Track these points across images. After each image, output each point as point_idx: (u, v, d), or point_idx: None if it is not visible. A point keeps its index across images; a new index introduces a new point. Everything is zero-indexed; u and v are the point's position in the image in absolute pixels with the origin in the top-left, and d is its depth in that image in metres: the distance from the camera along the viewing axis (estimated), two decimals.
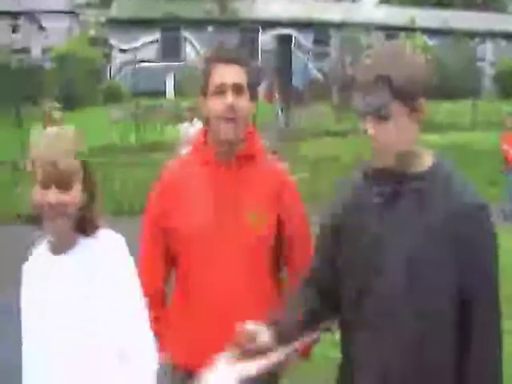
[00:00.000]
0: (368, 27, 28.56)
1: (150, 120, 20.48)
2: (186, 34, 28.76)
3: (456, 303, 1.77)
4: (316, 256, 2.07)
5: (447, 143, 17.09)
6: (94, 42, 31.08)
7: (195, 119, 9.70)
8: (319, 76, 28.73)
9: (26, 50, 33.22)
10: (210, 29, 28.40)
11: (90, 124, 18.92)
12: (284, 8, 29.29)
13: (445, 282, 1.77)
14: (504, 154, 11.31)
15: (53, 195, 1.87)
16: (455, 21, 30.40)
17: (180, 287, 2.39)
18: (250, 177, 2.33)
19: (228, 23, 28.14)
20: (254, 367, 1.78)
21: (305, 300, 2.02)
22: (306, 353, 2.37)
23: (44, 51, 33.21)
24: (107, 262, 1.94)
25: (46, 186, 1.87)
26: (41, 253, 2.02)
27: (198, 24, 28.26)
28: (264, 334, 1.86)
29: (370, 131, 1.79)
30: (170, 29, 28.37)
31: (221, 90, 2.23)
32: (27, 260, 2.05)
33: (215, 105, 2.24)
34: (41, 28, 37.77)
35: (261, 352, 1.83)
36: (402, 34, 29.52)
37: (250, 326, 1.86)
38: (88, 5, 40.29)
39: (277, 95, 22.66)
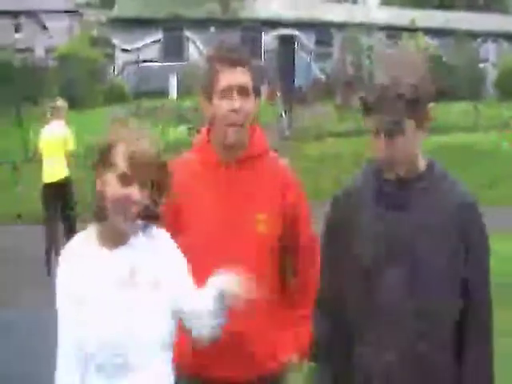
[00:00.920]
0: (370, 28, 28.54)
1: (152, 120, 20.48)
2: (188, 33, 28.75)
3: (456, 302, 1.79)
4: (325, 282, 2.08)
5: (448, 144, 17.07)
6: (96, 41, 31.07)
7: None
8: (322, 76, 28.72)
9: (28, 50, 33.22)
10: (212, 29, 28.39)
11: (92, 124, 18.95)
12: (286, 8, 29.28)
13: (446, 280, 1.79)
14: None
15: (136, 192, 1.82)
16: (457, 22, 30.35)
17: None
18: (255, 177, 2.33)
19: (231, 23, 28.12)
20: None
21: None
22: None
23: (47, 51, 33.22)
24: (166, 250, 1.96)
25: (128, 182, 1.82)
26: (84, 247, 1.94)
27: (200, 24, 28.25)
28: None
29: (382, 146, 1.80)
30: (173, 29, 28.36)
31: (227, 93, 2.22)
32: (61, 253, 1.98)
33: (221, 109, 2.23)
34: (44, 28, 37.79)
35: None
36: (404, 35, 29.49)
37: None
38: (91, 4, 40.29)
39: (279, 95, 22.66)
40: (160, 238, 1.99)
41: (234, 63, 2.23)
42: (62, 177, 8.16)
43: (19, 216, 11.64)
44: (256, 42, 27.75)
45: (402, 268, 1.82)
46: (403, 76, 1.75)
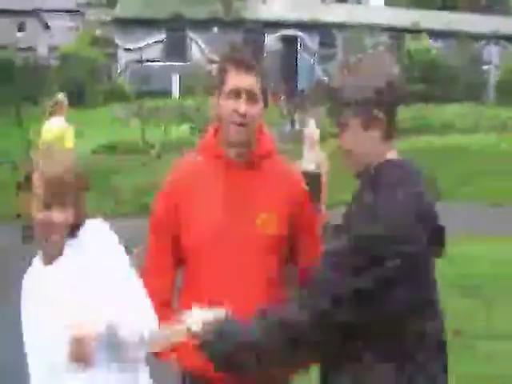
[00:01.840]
0: (373, 29, 28.55)
1: (155, 120, 20.51)
2: (191, 34, 28.79)
3: None
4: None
5: (449, 145, 17.09)
6: (99, 41, 31.12)
7: (309, 119, 9.67)
8: (325, 78, 28.73)
9: (31, 49, 33.28)
10: (215, 29, 28.43)
11: (94, 123, 18.99)
12: (289, 9, 29.31)
13: None
14: None
15: (57, 215, 1.90)
16: (460, 23, 30.35)
17: (189, 288, 2.36)
18: (262, 177, 2.32)
19: (233, 24, 28.16)
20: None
21: None
22: None
23: (49, 50, 33.29)
24: (96, 255, 1.98)
25: (48, 205, 1.89)
26: (35, 266, 2.05)
27: (203, 24, 28.29)
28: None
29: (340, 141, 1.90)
30: (176, 29, 28.40)
31: (234, 95, 2.23)
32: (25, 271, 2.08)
33: (228, 109, 2.24)
34: (46, 27, 37.85)
35: None
36: (407, 36, 29.52)
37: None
38: (94, 4, 40.34)
39: (282, 97, 22.68)
40: (89, 234, 2.01)
41: (246, 68, 2.25)
42: None
43: (19, 216, 11.64)
44: (258, 43, 27.77)
45: None
46: (344, 74, 1.85)
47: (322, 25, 29.46)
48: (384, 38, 29.88)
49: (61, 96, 8.44)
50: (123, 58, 28.51)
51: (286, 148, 13.02)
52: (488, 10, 35.11)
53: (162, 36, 28.69)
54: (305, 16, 29.12)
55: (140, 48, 28.41)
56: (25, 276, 2.06)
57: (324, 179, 8.47)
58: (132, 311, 1.93)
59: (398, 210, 1.71)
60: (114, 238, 2.03)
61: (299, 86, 28.10)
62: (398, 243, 1.68)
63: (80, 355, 1.79)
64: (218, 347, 1.83)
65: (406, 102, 22.43)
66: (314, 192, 8.70)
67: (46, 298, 1.95)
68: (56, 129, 8.09)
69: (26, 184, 1.93)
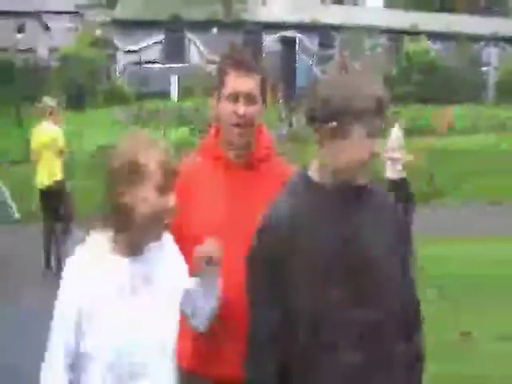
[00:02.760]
0: (372, 31, 28.56)
1: (154, 121, 20.50)
2: (190, 35, 28.80)
3: None
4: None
5: (449, 146, 17.10)
6: (98, 42, 31.11)
7: (397, 124, 9.64)
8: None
9: (31, 51, 33.26)
10: (214, 31, 28.43)
11: (93, 124, 18.99)
12: (288, 11, 29.31)
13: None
14: None
15: (173, 200, 1.90)
16: (458, 25, 30.35)
17: None
18: (261, 178, 2.34)
19: (232, 25, 28.16)
20: None
21: None
22: None
23: (49, 51, 33.27)
24: (173, 264, 2.02)
25: (166, 191, 1.88)
26: (100, 256, 1.93)
27: (202, 26, 28.29)
28: None
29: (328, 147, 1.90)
30: (175, 30, 28.40)
31: (233, 97, 2.25)
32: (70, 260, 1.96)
33: (227, 112, 2.26)
34: (46, 28, 37.83)
35: None
36: (406, 38, 29.52)
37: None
38: (93, 5, 40.31)
39: (281, 97, 22.68)
40: (169, 244, 2.05)
41: (244, 68, 2.26)
42: (53, 182, 8.03)
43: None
44: (257, 45, 27.77)
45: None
46: (313, 86, 1.90)
47: (320, 26, 29.46)
48: (383, 39, 29.90)
49: (49, 101, 8.33)
50: (122, 59, 28.51)
51: (284, 148, 13.04)
52: (487, 11, 35.09)
53: (161, 37, 28.69)
54: (304, 18, 29.13)
55: (139, 49, 28.41)
56: (83, 264, 1.92)
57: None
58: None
59: None
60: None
61: (298, 87, 28.09)
62: None
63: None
64: None
65: (404, 102, 22.46)
66: (400, 197, 8.93)
67: (122, 288, 1.90)
68: (47, 134, 8.01)
69: (127, 178, 1.85)
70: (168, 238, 2.04)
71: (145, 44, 28.45)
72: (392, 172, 9.48)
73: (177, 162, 1.93)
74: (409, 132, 19.60)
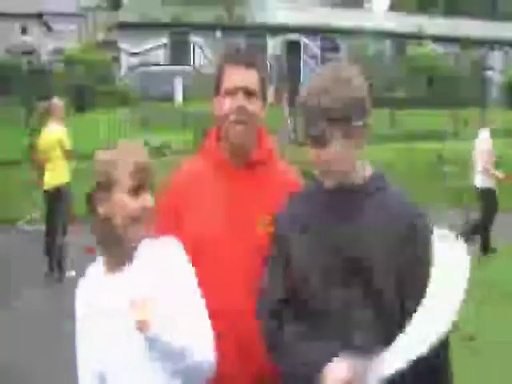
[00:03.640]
0: (377, 34, 28.58)
1: (158, 124, 20.52)
2: (194, 38, 28.85)
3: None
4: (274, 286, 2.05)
5: (452, 151, 17.04)
6: (102, 45, 31.20)
7: (485, 129, 9.49)
8: None
9: (35, 52, 33.36)
10: (218, 34, 28.49)
11: (97, 126, 19.01)
12: (293, 14, 29.36)
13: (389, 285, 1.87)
14: None
15: (149, 199, 1.90)
16: (463, 28, 30.38)
17: None
18: (262, 181, 2.32)
19: (236, 28, 28.21)
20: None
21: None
22: None
23: (53, 53, 33.35)
24: (162, 269, 1.95)
25: (140, 192, 1.88)
26: (93, 276, 1.99)
27: (206, 29, 28.35)
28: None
29: (312, 154, 1.89)
30: (179, 33, 28.46)
31: (232, 93, 2.23)
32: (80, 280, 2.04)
33: (225, 105, 2.24)
34: (51, 30, 37.94)
35: None
36: (411, 41, 29.55)
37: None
38: (98, 8, 40.43)
39: (285, 100, 22.70)
40: (168, 250, 2.00)
41: (242, 64, 2.24)
42: (59, 184, 8.00)
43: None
44: (262, 48, 27.82)
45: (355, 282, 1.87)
46: (324, 89, 1.83)
47: (325, 30, 29.50)
48: (387, 42, 29.94)
49: (55, 101, 8.32)
50: (126, 61, 28.56)
51: (288, 151, 13.03)
52: (491, 15, 35.12)
53: (166, 40, 28.75)
54: (308, 21, 29.17)
55: (143, 52, 28.47)
56: (80, 287, 2.03)
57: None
58: (191, 334, 1.89)
59: None
60: (181, 253, 2.01)
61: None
62: None
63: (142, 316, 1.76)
64: None
65: (409, 106, 22.47)
66: (489, 209, 8.78)
67: (109, 306, 1.91)
68: (54, 133, 8.01)
69: (103, 183, 1.87)
70: (166, 242, 2.01)
71: (149, 47, 28.51)
72: (481, 181, 9.07)
73: (146, 161, 1.92)
74: (413, 136, 19.73)
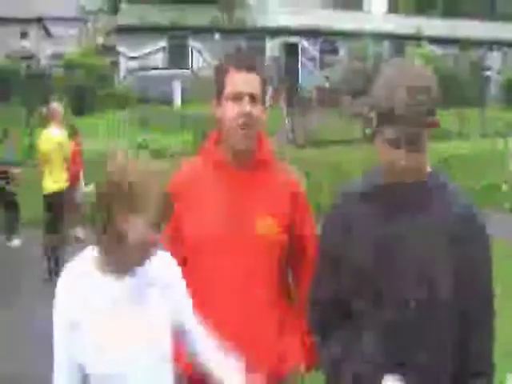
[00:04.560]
0: (375, 36, 28.60)
1: (156, 127, 20.54)
2: (192, 41, 28.87)
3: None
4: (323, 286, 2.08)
5: (454, 152, 17.07)
6: (101, 49, 31.21)
7: None
8: (326, 84, 28.79)
9: (34, 57, 33.38)
10: (217, 37, 28.50)
11: (96, 130, 19.01)
12: (291, 16, 29.37)
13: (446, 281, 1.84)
14: None
15: (158, 239, 1.86)
16: (462, 29, 30.41)
17: (190, 292, 2.37)
18: (261, 183, 2.32)
19: (235, 31, 28.23)
20: None
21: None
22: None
23: (53, 58, 33.37)
24: (166, 279, 1.97)
25: (156, 226, 1.82)
26: (89, 272, 1.92)
27: (205, 32, 28.37)
28: None
29: (401, 159, 1.81)
30: (177, 37, 28.47)
31: (236, 97, 2.23)
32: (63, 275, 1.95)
33: (232, 111, 2.24)
34: (49, 35, 37.96)
35: None
36: (409, 42, 29.57)
37: None
38: (97, 11, 40.45)
39: (283, 103, 22.70)
40: (165, 263, 2.00)
41: (248, 69, 2.24)
42: (58, 189, 7.98)
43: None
44: (260, 50, 27.84)
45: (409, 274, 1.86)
46: (420, 87, 1.77)
47: (324, 32, 29.52)
48: (386, 44, 29.95)
49: (55, 105, 8.30)
50: (125, 65, 28.58)
51: (286, 153, 13.04)
52: (490, 15, 35.13)
53: (164, 44, 28.76)
54: (307, 23, 29.18)
55: (142, 56, 28.48)
56: (73, 278, 1.92)
57: None
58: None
59: None
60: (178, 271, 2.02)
61: (300, 92, 28.14)
62: None
63: None
64: None
65: None
66: None
67: (104, 307, 1.88)
68: (55, 138, 7.97)
69: (123, 206, 1.78)
70: (164, 256, 2.01)
71: (148, 50, 28.52)
72: None
73: (169, 194, 1.84)
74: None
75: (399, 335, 1.86)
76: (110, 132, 19.07)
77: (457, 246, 1.83)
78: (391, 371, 1.84)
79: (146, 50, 28.49)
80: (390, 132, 1.78)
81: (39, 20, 37.71)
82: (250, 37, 28.44)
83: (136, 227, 1.78)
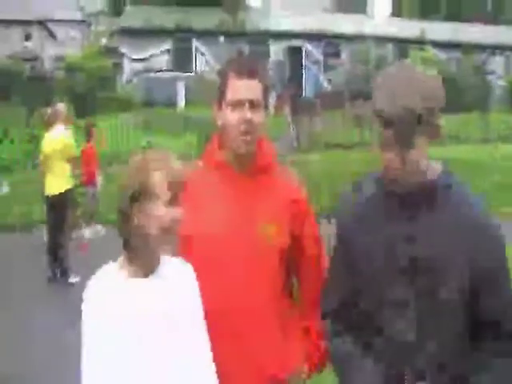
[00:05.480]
0: (379, 40, 28.60)
1: (161, 129, 20.56)
2: (197, 44, 28.89)
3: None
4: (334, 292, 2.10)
5: (455, 156, 17.04)
6: (105, 51, 31.25)
7: None
8: (330, 88, 28.80)
9: (37, 59, 33.43)
10: (221, 39, 28.52)
11: (100, 133, 19.03)
12: (295, 20, 29.39)
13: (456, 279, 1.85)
14: None
15: (180, 211, 1.92)
16: (465, 33, 30.40)
17: None
18: (263, 187, 2.33)
19: (239, 34, 28.25)
20: None
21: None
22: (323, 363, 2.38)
23: (55, 60, 33.43)
24: (183, 287, 2.00)
25: (173, 202, 1.89)
26: (114, 277, 1.95)
27: (209, 34, 28.39)
28: None
29: (393, 160, 1.84)
30: (182, 39, 28.50)
31: (237, 104, 2.24)
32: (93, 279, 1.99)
33: (233, 118, 2.25)
34: (52, 37, 38.03)
35: None
36: (412, 46, 29.56)
37: None
38: (100, 14, 40.52)
39: (287, 106, 22.70)
40: (183, 268, 2.05)
41: (249, 76, 2.25)
42: (62, 191, 7.92)
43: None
44: (264, 54, 27.85)
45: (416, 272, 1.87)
46: (412, 91, 1.79)
47: (327, 35, 29.53)
48: (389, 47, 29.95)
49: (59, 106, 8.26)
50: (129, 67, 28.61)
51: (289, 158, 13.05)
52: (493, 20, 35.11)
53: (168, 46, 28.79)
54: (311, 26, 29.19)
55: (146, 58, 28.51)
56: (95, 287, 1.95)
57: None
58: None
59: None
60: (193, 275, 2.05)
61: (305, 95, 28.15)
62: None
63: None
64: None
65: None
66: None
67: (134, 311, 1.91)
68: (58, 139, 7.94)
69: (137, 195, 1.87)
70: (175, 260, 2.06)
71: (152, 53, 28.55)
72: None
73: (182, 171, 1.93)
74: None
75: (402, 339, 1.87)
76: (112, 134, 19.08)
77: (462, 246, 1.84)
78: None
79: (151, 53, 28.51)
80: (380, 134, 1.83)
81: (43, 22, 37.80)
82: (254, 40, 28.46)
83: (155, 216, 1.86)
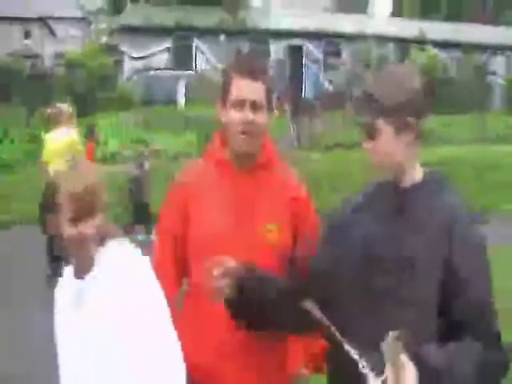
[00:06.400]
0: (379, 39, 28.60)
1: (160, 128, 20.57)
2: (197, 42, 28.88)
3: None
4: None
5: (456, 156, 17.07)
6: (105, 48, 31.23)
7: None
8: (331, 87, 28.81)
9: (37, 56, 33.44)
10: (221, 38, 28.51)
11: (100, 131, 19.04)
12: (296, 19, 29.38)
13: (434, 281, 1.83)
14: None
15: (88, 227, 1.88)
16: (465, 33, 30.40)
17: (191, 295, 2.36)
18: (264, 186, 2.33)
19: (239, 33, 28.24)
20: None
21: None
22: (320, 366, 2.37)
23: (56, 57, 33.43)
24: (123, 277, 1.94)
25: (77, 219, 1.86)
26: (67, 279, 2.03)
27: (209, 33, 28.38)
28: None
29: (364, 146, 1.90)
30: (182, 37, 28.48)
31: (239, 104, 2.24)
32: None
33: (235, 118, 2.25)
34: (53, 34, 38.03)
35: None
36: (413, 46, 29.56)
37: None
38: (100, 12, 40.50)
39: (288, 106, 22.71)
40: (119, 260, 1.98)
41: (249, 75, 2.25)
42: None
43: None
44: (264, 53, 27.84)
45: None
46: (379, 81, 1.87)
47: (328, 34, 29.53)
48: (390, 47, 29.96)
49: (63, 106, 8.21)
50: (129, 65, 28.59)
51: (290, 157, 13.06)
52: (494, 20, 35.12)
53: (169, 44, 28.78)
54: (311, 26, 29.19)
55: (146, 56, 28.49)
56: (57, 288, 2.07)
57: None
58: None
59: None
60: (138, 263, 1.99)
61: (305, 95, 28.16)
62: None
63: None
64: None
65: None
66: None
67: (80, 309, 1.95)
68: (61, 139, 7.90)
69: (49, 204, 1.90)
70: (116, 249, 1.99)
71: (152, 51, 28.53)
72: None
73: (94, 184, 1.88)
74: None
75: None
76: (113, 133, 19.09)
77: (436, 245, 1.83)
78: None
79: (151, 51, 28.49)
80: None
81: (43, 19, 37.80)
82: (255, 39, 28.45)
83: (61, 226, 1.87)
